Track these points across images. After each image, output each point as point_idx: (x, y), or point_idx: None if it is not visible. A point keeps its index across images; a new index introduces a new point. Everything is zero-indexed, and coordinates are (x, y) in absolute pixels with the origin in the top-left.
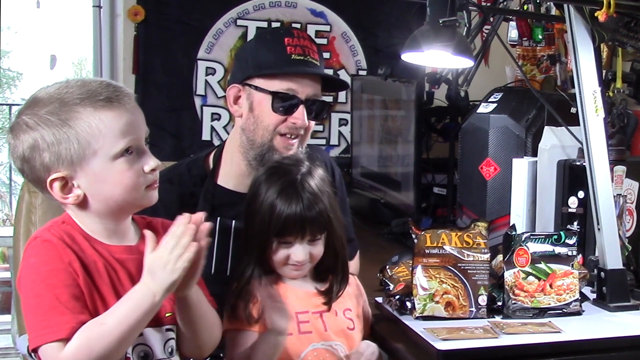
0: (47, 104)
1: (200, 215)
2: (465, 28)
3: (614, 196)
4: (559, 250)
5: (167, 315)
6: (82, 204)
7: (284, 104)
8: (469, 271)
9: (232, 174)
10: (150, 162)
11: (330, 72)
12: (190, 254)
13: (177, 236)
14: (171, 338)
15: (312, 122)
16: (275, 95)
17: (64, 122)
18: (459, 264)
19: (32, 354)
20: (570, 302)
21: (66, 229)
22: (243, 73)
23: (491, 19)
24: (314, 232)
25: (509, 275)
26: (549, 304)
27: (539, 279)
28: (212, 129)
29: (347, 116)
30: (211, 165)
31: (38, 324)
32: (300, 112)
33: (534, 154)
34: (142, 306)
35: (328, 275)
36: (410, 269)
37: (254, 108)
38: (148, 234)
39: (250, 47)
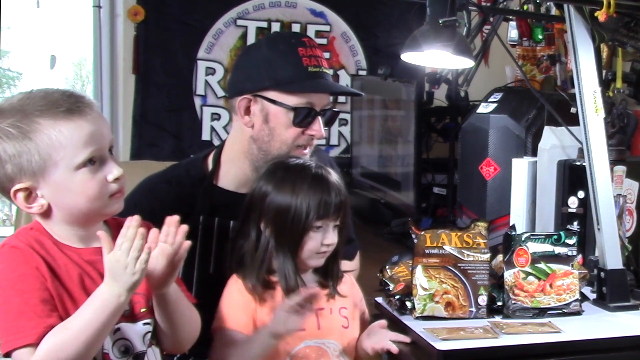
0: (9, 115)
1: (176, 218)
2: (465, 28)
3: (614, 196)
4: (559, 250)
5: (141, 310)
6: (47, 212)
7: (304, 117)
8: (469, 271)
9: (234, 176)
10: (114, 171)
11: (330, 72)
12: (146, 255)
13: (129, 239)
14: (149, 331)
15: None
16: (297, 110)
17: (24, 135)
18: (459, 264)
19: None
20: (570, 302)
21: (35, 235)
22: (255, 84)
23: (491, 19)
24: (343, 215)
25: (509, 275)
26: (549, 304)
27: (539, 279)
28: (212, 129)
29: (347, 116)
30: (210, 167)
31: (8, 329)
32: (318, 125)
33: (534, 154)
34: (108, 308)
35: (324, 271)
36: (410, 269)
37: (269, 120)
38: (102, 235)
39: (262, 57)
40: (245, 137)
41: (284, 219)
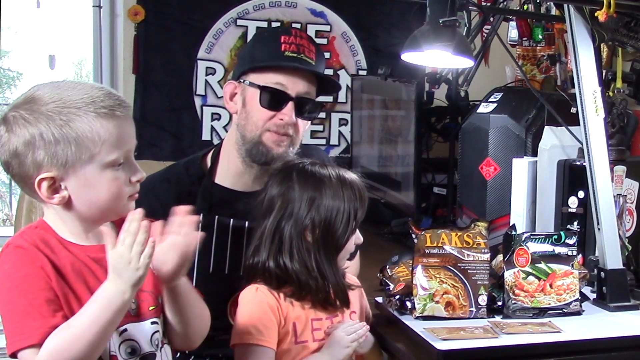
0: (49, 102)
1: (186, 208)
2: (465, 28)
3: (614, 196)
4: (559, 250)
5: (150, 308)
6: (66, 205)
7: (272, 99)
8: (469, 271)
9: (229, 172)
10: (137, 174)
11: (330, 72)
12: (150, 249)
13: (132, 233)
14: (156, 331)
15: (303, 122)
16: (263, 89)
17: (65, 123)
18: (459, 264)
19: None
20: (570, 302)
21: (40, 234)
22: (239, 69)
23: (491, 19)
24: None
25: (509, 275)
26: (549, 304)
27: (539, 279)
28: (212, 129)
29: (347, 116)
30: (209, 164)
31: (13, 330)
32: (289, 109)
33: (534, 154)
34: (113, 305)
35: None
36: (410, 269)
37: (246, 103)
38: (105, 230)
39: (248, 45)
40: (234, 127)
41: (333, 225)
